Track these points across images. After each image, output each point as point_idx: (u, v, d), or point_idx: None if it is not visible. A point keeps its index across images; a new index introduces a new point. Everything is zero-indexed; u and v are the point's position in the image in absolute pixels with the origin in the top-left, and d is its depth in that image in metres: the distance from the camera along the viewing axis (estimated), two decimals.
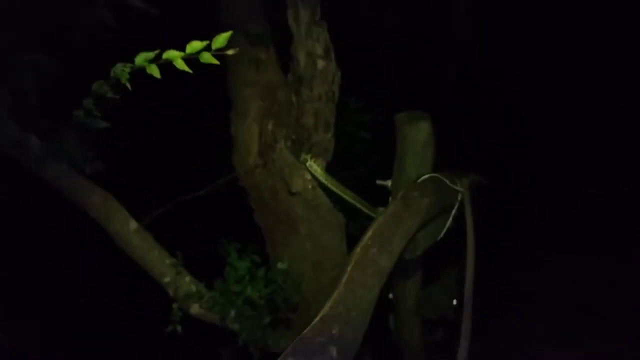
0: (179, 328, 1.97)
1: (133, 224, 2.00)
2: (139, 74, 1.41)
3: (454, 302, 2.55)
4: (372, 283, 1.46)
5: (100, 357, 2.62)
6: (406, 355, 2.71)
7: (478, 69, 3.47)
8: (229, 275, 2.03)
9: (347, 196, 2.27)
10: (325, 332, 1.14)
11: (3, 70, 1.56)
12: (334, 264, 2.49)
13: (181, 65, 1.35)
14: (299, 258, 2.63)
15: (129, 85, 1.36)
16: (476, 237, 1.92)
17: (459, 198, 2.08)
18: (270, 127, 2.54)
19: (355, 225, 2.67)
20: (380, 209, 2.17)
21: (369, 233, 1.63)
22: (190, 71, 1.34)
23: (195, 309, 2.05)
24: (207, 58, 1.33)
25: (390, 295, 2.60)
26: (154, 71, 1.36)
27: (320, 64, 2.20)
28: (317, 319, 1.23)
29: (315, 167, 2.30)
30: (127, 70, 1.40)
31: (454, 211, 2.10)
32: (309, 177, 2.37)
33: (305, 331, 1.15)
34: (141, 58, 1.38)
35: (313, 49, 2.17)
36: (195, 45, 1.35)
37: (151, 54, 1.38)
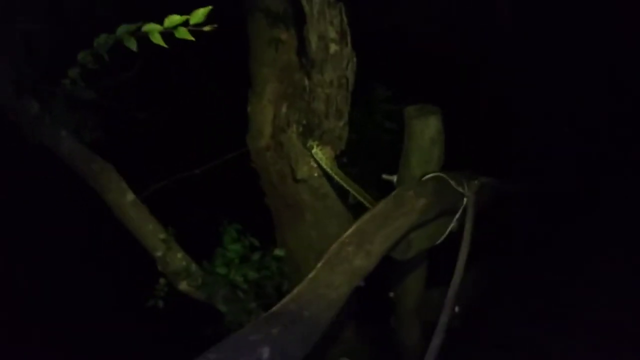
0: (160, 303, 1.98)
1: (130, 196, 2.02)
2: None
3: (456, 308, 2.43)
4: (339, 282, 1.39)
5: (79, 328, 2.67)
6: (404, 357, 2.64)
7: (518, 62, 3.24)
8: (217, 257, 2.01)
9: (351, 188, 2.19)
10: (264, 329, 1.08)
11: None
12: None
13: (157, 39, 1.31)
14: (304, 245, 2.59)
15: (106, 57, 1.34)
16: (473, 244, 1.80)
17: (464, 201, 1.96)
18: (284, 109, 2.49)
19: None
20: None
21: (350, 230, 1.56)
22: (166, 46, 1.31)
23: (183, 285, 2.06)
24: (183, 33, 1.29)
25: (391, 294, 2.52)
26: (131, 44, 1.33)
27: (333, 48, 2.11)
28: (264, 315, 1.18)
29: (321, 155, 2.23)
30: (110, 42, 1.37)
31: (457, 215, 1.98)
32: (314, 164, 2.31)
33: (245, 327, 1.11)
34: (122, 29, 1.36)
35: (325, 32, 2.08)
36: (173, 19, 1.31)
37: (132, 27, 1.35)
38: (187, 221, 2.45)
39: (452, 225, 2.00)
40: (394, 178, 2.15)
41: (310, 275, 1.36)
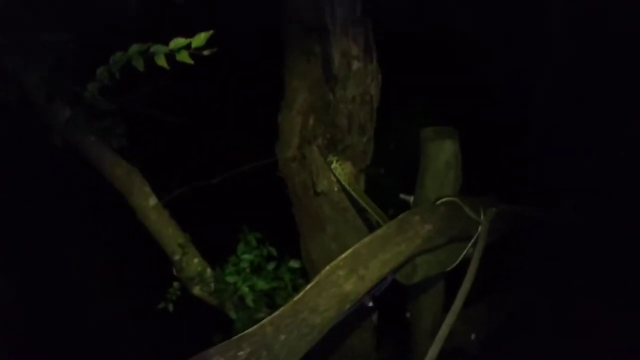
0: (171, 307, 2.06)
1: (153, 200, 2.11)
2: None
3: (472, 336, 2.36)
4: (325, 307, 1.39)
5: (87, 329, 2.77)
6: None
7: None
8: (228, 265, 2.06)
9: (367, 205, 2.18)
10: (231, 352, 1.11)
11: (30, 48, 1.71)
12: None
13: (162, 61, 1.37)
14: (325, 258, 2.60)
15: (117, 75, 1.42)
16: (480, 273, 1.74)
17: (479, 229, 1.90)
18: (311, 122, 2.51)
19: None
20: None
21: (347, 252, 1.56)
22: (168, 67, 1.36)
23: (196, 290, 2.13)
24: (184, 56, 1.34)
25: (408, 314, 2.49)
26: (139, 64, 1.40)
27: (356, 65, 2.12)
28: (237, 335, 1.20)
29: (340, 171, 2.24)
30: (123, 60, 1.45)
31: (471, 242, 1.92)
32: (334, 179, 2.32)
33: (212, 347, 1.14)
34: (133, 49, 1.43)
35: (348, 49, 2.08)
36: (178, 42, 1.37)
37: (143, 46, 1.42)
38: (213, 227, 2.51)
39: (466, 252, 1.95)
40: (411, 199, 2.12)
41: (296, 298, 1.37)
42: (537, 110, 3.16)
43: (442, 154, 1.89)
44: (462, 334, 2.38)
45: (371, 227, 2.40)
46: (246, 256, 2.10)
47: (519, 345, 2.61)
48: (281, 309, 1.34)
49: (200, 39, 1.34)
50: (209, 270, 2.16)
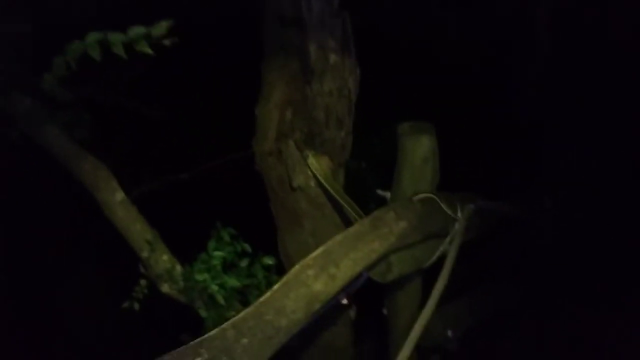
0: (136, 305, 1.99)
1: (119, 195, 2.03)
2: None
3: (449, 332, 2.33)
4: (292, 308, 1.33)
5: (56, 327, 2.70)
6: None
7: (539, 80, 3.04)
8: (198, 263, 2.00)
9: (343, 200, 2.13)
10: (187, 358, 1.05)
11: None
12: None
13: (119, 50, 1.30)
14: (302, 254, 2.54)
15: (73, 65, 1.35)
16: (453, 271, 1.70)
17: (456, 226, 1.86)
18: (289, 115, 2.45)
19: None
20: None
21: (316, 252, 1.51)
22: (126, 56, 1.29)
23: (165, 288, 2.06)
24: (142, 46, 1.27)
25: (385, 311, 2.45)
26: (95, 53, 1.33)
27: (333, 58, 2.06)
28: (196, 340, 1.15)
29: (317, 165, 2.18)
30: (79, 50, 1.38)
31: (448, 239, 1.88)
32: (311, 173, 2.26)
33: (167, 353, 1.08)
34: (90, 38, 1.36)
35: (325, 42, 2.02)
36: (136, 31, 1.30)
37: (99, 35, 1.35)
38: (189, 223, 2.44)
39: (442, 249, 1.91)
40: (388, 194, 2.07)
41: (261, 299, 1.32)
42: (519, 105, 3.13)
43: (418, 150, 1.85)
44: (439, 331, 2.35)
45: (350, 223, 2.35)
46: (217, 253, 2.04)
47: (498, 342, 2.59)
48: (244, 311, 1.29)
49: (161, 27, 1.27)
50: (178, 267, 2.09)
